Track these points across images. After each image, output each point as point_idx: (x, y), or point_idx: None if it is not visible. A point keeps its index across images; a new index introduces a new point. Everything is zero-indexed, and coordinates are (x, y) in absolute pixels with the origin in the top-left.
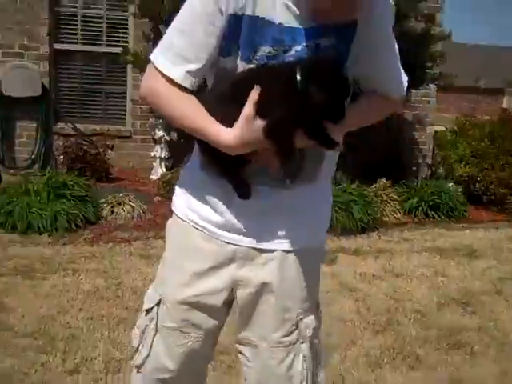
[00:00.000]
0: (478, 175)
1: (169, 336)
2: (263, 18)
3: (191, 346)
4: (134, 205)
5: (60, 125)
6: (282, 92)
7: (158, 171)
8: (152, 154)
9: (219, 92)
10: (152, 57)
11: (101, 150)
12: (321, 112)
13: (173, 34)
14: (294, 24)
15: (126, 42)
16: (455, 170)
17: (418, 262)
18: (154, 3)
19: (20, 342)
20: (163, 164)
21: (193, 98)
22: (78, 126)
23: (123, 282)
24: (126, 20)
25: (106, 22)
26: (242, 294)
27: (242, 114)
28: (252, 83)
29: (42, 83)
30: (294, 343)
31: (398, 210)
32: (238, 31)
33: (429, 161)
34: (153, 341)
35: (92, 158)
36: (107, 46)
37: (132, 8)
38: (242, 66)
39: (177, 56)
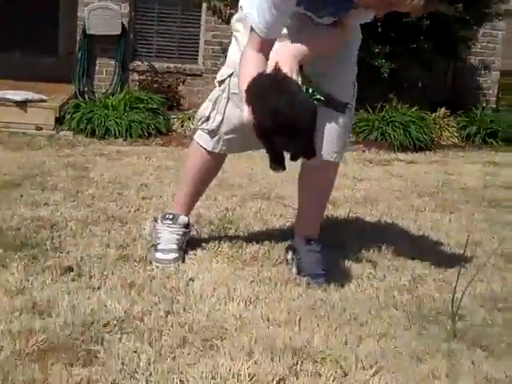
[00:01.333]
0: None
1: (239, 101)
2: None
3: None
4: None
5: (136, 62)
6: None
7: None
8: None
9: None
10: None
11: (173, 83)
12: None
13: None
14: None
15: None
16: None
17: (472, 168)
18: None
19: (95, 192)
20: None
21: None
22: (152, 63)
23: None
24: None
25: None
26: None
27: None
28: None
29: (122, 23)
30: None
31: (456, 136)
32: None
33: (492, 105)
34: (226, 107)
35: (165, 88)
36: None
37: None
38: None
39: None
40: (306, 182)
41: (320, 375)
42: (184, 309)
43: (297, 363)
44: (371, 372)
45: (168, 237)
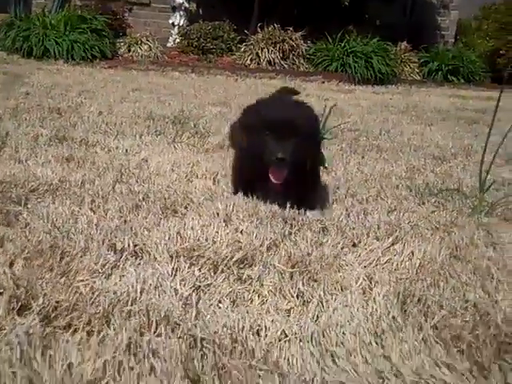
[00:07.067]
0: (502, 48)
1: None
2: None
3: None
4: (151, 45)
5: None
6: None
7: (176, 39)
8: (170, 21)
9: None
10: None
11: (119, 11)
12: None
13: None
14: None
15: None
16: (477, 46)
17: (439, 98)
18: None
19: (30, 90)
20: (181, 32)
21: None
22: None
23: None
24: None
25: None
26: None
27: None
28: None
29: None
30: None
31: (417, 72)
32: None
33: (450, 47)
34: None
35: (110, 17)
36: None
37: None
38: None
39: None
40: None
41: (321, 244)
42: (137, 181)
43: (291, 229)
44: (388, 241)
45: None
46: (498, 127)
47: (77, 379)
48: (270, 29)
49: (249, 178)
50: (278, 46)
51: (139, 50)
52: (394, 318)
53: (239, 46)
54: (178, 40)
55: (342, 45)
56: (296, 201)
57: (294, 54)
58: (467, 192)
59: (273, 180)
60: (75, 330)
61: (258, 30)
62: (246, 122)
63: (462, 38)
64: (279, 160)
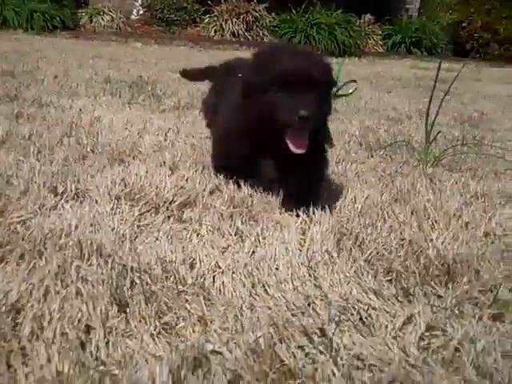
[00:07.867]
0: (465, 20)
1: None
2: None
3: None
4: (114, 15)
5: None
6: None
7: (139, 10)
8: None
9: None
10: None
11: None
12: None
13: None
14: None
15: None
16: (441, 19)
17: (401, 69)
18: None
19: None
20: (144, 4)
21: None
22: None
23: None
24: None
25: None
26: None
27: None
28: None
29: None
30: None
31: (381, 45)
32: None
33: (414, 19)
34: None
35: None
36: None
37: None
38: None
39: None
40: None
41: (266, 190)
42: (87, 136)
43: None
44: (333, 187)
45: None
46: (455, 94)
47: (1, 302)
48: (233, 0)
49: (242, 156)
50: (241, 17)
51: (101, 21)
52: (328, 252)
53: (203, 17)
54: (141, 12)
55: (306, 16)
56: (296, 189)
57: (257, 26)
58: (416, 146)
59: (293, 150)
60: (7, 263)
61: (222, 1)
62: (247, 81)
63: (425, 11)
64: (302, 119)
